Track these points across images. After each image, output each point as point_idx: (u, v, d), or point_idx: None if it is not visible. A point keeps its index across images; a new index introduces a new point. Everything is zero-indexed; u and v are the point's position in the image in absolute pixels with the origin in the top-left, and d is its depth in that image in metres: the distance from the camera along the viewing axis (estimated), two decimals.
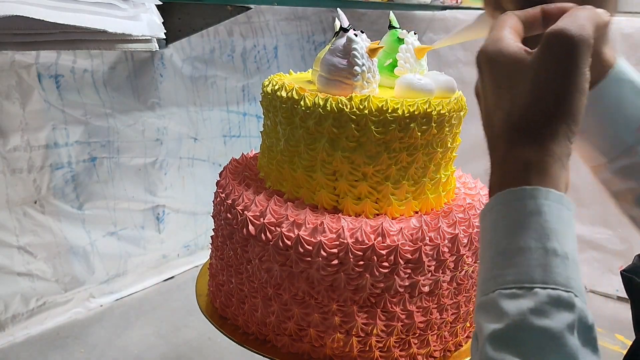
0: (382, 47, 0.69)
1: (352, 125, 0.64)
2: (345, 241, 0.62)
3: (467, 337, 0.74)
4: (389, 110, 0.64)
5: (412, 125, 0.65)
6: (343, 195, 0.68)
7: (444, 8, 1.77)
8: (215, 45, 1.55)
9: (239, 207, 0.68)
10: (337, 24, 0.76)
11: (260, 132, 0.78)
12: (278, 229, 0.64)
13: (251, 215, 0.66)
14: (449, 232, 0.65)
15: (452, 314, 0.70)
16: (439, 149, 0.69)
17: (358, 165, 0.67)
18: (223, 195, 0.73)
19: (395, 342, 0.67)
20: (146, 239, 1.48)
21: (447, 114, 0.67)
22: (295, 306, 0.66)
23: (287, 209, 0.66)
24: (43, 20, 0.75)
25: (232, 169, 0.80)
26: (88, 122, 1.30)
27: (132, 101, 1.39)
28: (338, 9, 0.70)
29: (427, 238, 0.64)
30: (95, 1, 0.82)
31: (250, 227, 0.66)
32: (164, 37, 0.94)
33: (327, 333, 0.66)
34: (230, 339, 0.72)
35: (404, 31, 0.75)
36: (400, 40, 0.74)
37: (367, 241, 0.62)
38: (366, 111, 0.64)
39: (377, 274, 0.63)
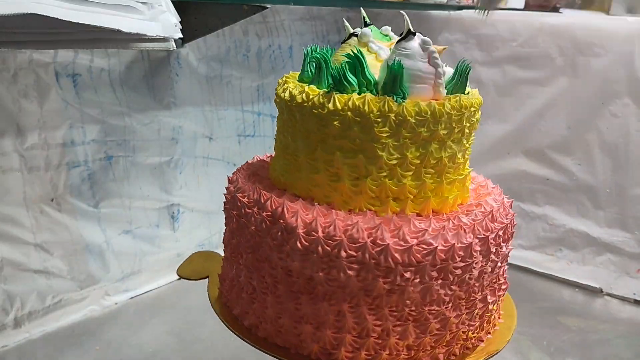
0: (446, 47, 0.69)
1: (355, 126, 0.66)
2: (340, 239, 0.63)
3: (474, 341, 0.74)
4: (394, 111, 0.65)
5: (417, 125, 0.66)
6: (344, 194, 0.68)
7: (460, 8, 1.76)
8: (231, 44, 1.56)
9: (245, 202, 0.70)
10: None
11: (275, 135, 0.78)
12: (277, 225, 0.66)
13: (255, 211, 0.69)
14: (449, 236, 0.66)
15: (449, 320, 0.69)
16: (446, 150, 0.69)
17: (359, 164, 0.67)
18: (233, 191, 0.74)
19: (390, 343, 0.68)
20: (161, 238, 1.48)
21: (453, 113, 0.67)
22: (290, 300, 0.68)
23: (289, 204, 0.67)
24: (60, 19, 0.75)
25: (245, 166, 0.81)
26: (104, 120, 1.31)
27: (148, 100, 1.40)
28: (403, 12, 0.70)
29: (424, 241, 0.65)
30: (113, 3, 0.83)
31: (252, 222, 0.68)
32: (181, 36, 0.94)
33: (320, 329, 0.68)
34: (248, 342, 0.73)
35: (386, 27, 0.75)
36: (385, 37, 0.75)
37: (361, 240, 0.64)
38: (369, 111, 0.65)
39: (370, 273, 0.64)
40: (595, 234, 1.60)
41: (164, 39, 0.92)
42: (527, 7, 1.97)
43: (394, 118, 0.64)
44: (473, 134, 0.72)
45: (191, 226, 1.55)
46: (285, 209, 0.67)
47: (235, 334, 0.74)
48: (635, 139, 1.52)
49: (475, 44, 1.73)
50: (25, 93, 1.17)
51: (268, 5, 1.26)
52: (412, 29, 0.67)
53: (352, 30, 0.72)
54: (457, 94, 0.68)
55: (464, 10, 1.75)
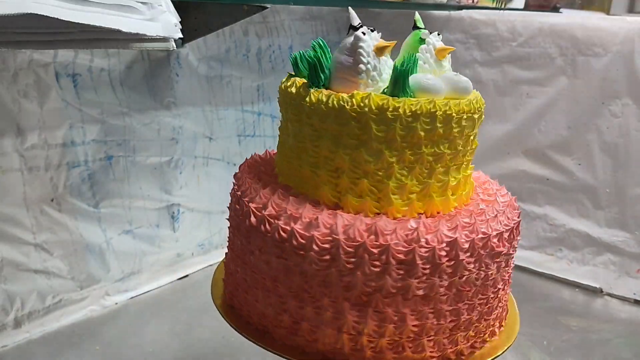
0: (389, 45, 0.69)
1: (353, 123, 0.65)
2: (338, 237, 0.63)
3: (470, 346, 0.72)
4: (390, 109, 0.64)
5: (414, 124, 0.65)
6: (344, 193, 0.68)
7: (460, 8, 1.76)
8: (231, 44, 1.56)
9: (246, 199, 0.70)
10: (353, 16, 0.76)
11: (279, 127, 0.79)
12: (276, 222, 0.66)
13: (254, 207, 0.68)
14: (448, 235, 0.65)
15: (450, 321, 0.68)
16: (446, 151, 0.68)
17: (359, 162, 0.67)
18: (236, 187, 0.75)
19: (387, 343, 0.66)
20: (161, 238, 1.48)
21: (454, 114, 0.66)
22: (290, 299, 0.67)
23: (288, 203, 0.67)
24: (60, 19, 0.75)
25: (250, 162, 0.81)
26: (105, 120, 1.31)
27: (148, 100, 1.40)
28: (349, 7, 0.70)
29: (422, 240, 0.63)
30: (113, 3, 0.83)
31: (253, 219, 0.68)
32: (181, 36, 0.94)
33: (319, 328, 0.67)
34: (238, 331, 0.73)
35: (426, 31, 0.74)
36: (422, 41, 0.74)
37: (359, 238, 0.63)
38: (366, 109, 0.64)
39: (368, 272, 0.63)
40: (595, 234, 1.60)
41: (164, 39, 0.92)
42: (527, 7, 1.97)
43: (389, 115, 0.64)
44: (472, 134, 0.72)
45: (191, 226, 1.55)
46: (285, 209, 0.67)
47: (239, 332, 0.74)
48: (635, 139, 1.52)
49: (475, 44, 1.73)
50: (25, 93, 1.17)
51: (268, 5, 1.26)
52: (356, 25, 0.68)
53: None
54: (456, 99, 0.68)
55: (464, 10, 1.75)
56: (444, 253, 0.64)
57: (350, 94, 0.65)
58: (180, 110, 1.47)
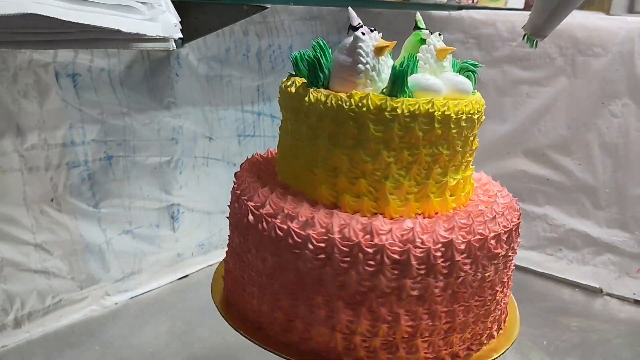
0: (388, 45, 0.69)
1: (351, 123, 0.65)
2: (333, 236, 0.63)
3: (467, 348, 0.72)
4: (389, 109, 0.64)
5: (412, 124, 0.65)
6: (342, 192, 0.68)
7: (460, 8, 1.76)
8: (231, 44, 1.56)
9: (244, 197, 0.71)
10: (353, 16, 0.76)
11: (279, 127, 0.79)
12: (273, 220, 0.66)
13: (252, 205, 0.69)
14: (443, 236, 0.64)
15: (445, 322, 0.68)
16: (444, 151, 0.68)
17: (357, 162, 0.67)
18: (236, 185, 0.75)
19: (381, 343, 0.66)
20: (161, 238, 1.48)
21: (452, 115, 0.66)
22: (284, 296, 0.68)
23: (286, 202, 0.68)
24: (60, 19, 0.75)
25: (252, 161, 0.82)
26: (104, 120, 1.31)
27: (148, 100, 1.40)
28: (349, 7, 0.70)
29: (417, 240, 0.63)
30: (113, 3, 0.83)
31: (250, 217, 0.68)
32: (181, 36, 0.94)
33: (312, 326, 0.67)
34: (238, 331, 0.73)
35: (427, 32, 0.74)
36: (423, 41, 0.74)
37: (354, 238, 0.63)
38: (365, 109, 0.64)
39: (362, 271, 0.63)
40: (595, 234, 1.60)
41: (164, 39, 0.92)
42: (527, 7, 1.97)
43: (387, 115, 0.64)
44: (471, 135, 0.72)
45: (191, 226, 1.55)
46: (282, 208, 0.67)
47: (235, 329, 0.74)
48: (635, 139, 1.52)
49: (475, 44, 1.73)
50: (25, 93, 1.17)
51: (268, 5, 1.26)
52: (355, 25, 0.68)
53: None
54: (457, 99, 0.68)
55: (464, 10, 1.75)
56: (439, 254, 0.64)
57: (348, 94, 0.65)
58: (180, 110, 1.47)
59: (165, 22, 0.91)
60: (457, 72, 0.74)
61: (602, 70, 1.54)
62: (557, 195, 1.66)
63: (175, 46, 0.94)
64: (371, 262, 0.63)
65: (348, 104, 0.65)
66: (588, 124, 1.59)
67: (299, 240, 0.64)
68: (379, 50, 0.68)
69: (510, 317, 0.80)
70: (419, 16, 0.78)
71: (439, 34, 0.75)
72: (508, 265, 0.73)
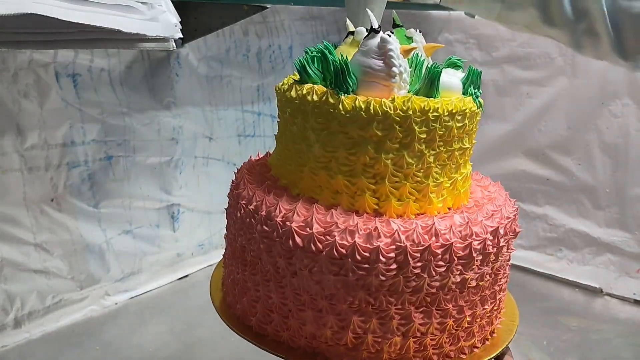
0: (416, 47, 0.68)
1: (397, 127, 0.65)
2: (403, 244, 0.62)
3: (471, 346, 0.73)
4: (431, 110, 0.64)
5: (450, 123, 0.66)
6: (385, 198, 0.67)
7: None
8: (231, 44, 1.56)
9: (278, 219, 0.66)
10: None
11: (275, 135, 0.77)
12: (329, 238, 0.63)
13: (296, 226, 0.64)
14: (490, 225, 0.67)
15: (491, 303, 0.71)
16: (467, 145, 0.71)
17: (401, 166, 0.66)
18: (244, 202, 0.71)
19: (447, 338, 0.67)
20: (161, 238, 1.48)
21: (468, 112, 0.68)
22: (352, 315, 0.65)
23: (333, 217, 0.65)
24: (60, 19, 0.75)
25: (248, 168, 0.80)
26: (104, 120, 1.31)
27: (148, 100, 1.40)
28: (367, 9, 0.70)
29: (474, 234, 0.65)
30: (113, 3, 0.83)
31: (297, 239, 0.64)
32: (181, 36, 0.94)
33: (385, 338, 0.65)
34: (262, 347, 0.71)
35: (412, 29, 0.75)
36: (409, 39, 0.74)
37: (423, 242, 0.62)
38: (410, 112, 0.64)
39: (434, 273, 0.63)
40: (595, 234, 1.60)
41: (164, 39, 0.92)
42: None
43: (431, 116, 0.65)
44: (466, 136, 0.72)
45: (191, 226, 1.55)
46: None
47: (237, 332, 0.74)
48: (635, 139, 1.52)
49: (475, 44, 1.73)
50: (25, 93, 1.17)
51: (268, 5, 1.26)
52: (376, 28, 0.67)
53: (351, 29, 0.72)
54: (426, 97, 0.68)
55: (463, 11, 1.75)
56: (489, 242, 0.66)
57: (391, 99, 0.65)
58: (180, 110, 1.47)
59: (165, 22, 0.91)
60: (446, 67, 0.74)
61: (602, 70, 1.54)
62: (557, 195, 1.66)
63: (175, 46, 0.94)
64: (441, 263, 0.63)
65: (393, 109, 0.64)
66: (588, 124, 1.59)
67: (367, 254, 0.62)
68: (406, 53, 0.67)
69: (510, 318, 0.81)
70: (395, 14, 0.78)
71: (419, 31, 0.75)
72: (507, 262, 0.74)
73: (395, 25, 0.77)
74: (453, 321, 0.67)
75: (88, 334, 1.24)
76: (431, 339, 0.67)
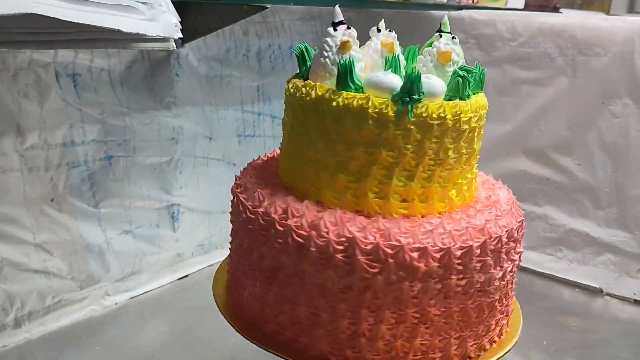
0: (349, 41, 0.69)
1: (413, 128, 0.65)
2: (440, 246, 0.64)
3: (477, 348, 0.73)
4: (460, 112, 0.67)
5: (459, 125, 0.68)
6: (390, 198, 0.68)
7: (460, 8, 1.76)
8: (231, 44, 1.56)
9: (290, 221, 0.66)
10: (338, 12, 0.76)
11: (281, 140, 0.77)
12: (343, 239, 0.63)
13: (306, 230, 0.65)
14: (505, 225, 0.71)
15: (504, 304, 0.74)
16: (475, 147, 0.73)
17: (412, 166, 0.68)
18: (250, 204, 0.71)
19: (469, 337, 0.70)
20: (161, 238, 1.48)
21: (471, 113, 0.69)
22: (366, 317, 0.66)
23: (348, 222, 0.65)
24: (60, 19, 0.75)
25: (252, 169, 0.80)
26: (105, 120, 1.31)
27: (148, 100, 1.40)
28: (336, 6, 0.71)
29: (489, 233, 0.67)
30: (113, 3, 0.83)
31: (310, 242, 0.64)
32: (181, 36, 0.94)
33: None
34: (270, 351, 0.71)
35: (448, 35, 0.75)
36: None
37: (442, 245, 0.64)
38: (425, 115, 0.65)
39: (456, 276, 0.65)
40: (595, 234, 1.60)
41: (164, 39, 0.92)
42: (527, 7, 1.97)
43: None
44: (473, 138, 0.72)
45: (191, 226, 1.55)
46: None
47: (238, 332, 0.74)
48: (636, 139, 1.52)
49: (475, 44, 1.73)
50: (25, 93, 1.17)
51: (268, 5, 1.26)
52: (335, 22, 0.70)
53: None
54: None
55: (464, 10, 1.75)
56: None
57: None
58: (180, 110, 1.47)
59: (165, 22, 0.92)
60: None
61: (602, 70, 1.54)
62: (557, 195, 1.66)
63: (175, 46, 0.94)
64: (460, 264, 0.64)
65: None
66: (588, 124, 1.58)
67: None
68: (341, 46, 0.68)
69: (513, 322, 0.80)
70: (445, 19, 0.78)
71: (453, 37, 0.75)
72: (515, 265, 0.75)
73: (440, 31, 0.76)
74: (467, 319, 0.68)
75: (88, 334, 1.24)
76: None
